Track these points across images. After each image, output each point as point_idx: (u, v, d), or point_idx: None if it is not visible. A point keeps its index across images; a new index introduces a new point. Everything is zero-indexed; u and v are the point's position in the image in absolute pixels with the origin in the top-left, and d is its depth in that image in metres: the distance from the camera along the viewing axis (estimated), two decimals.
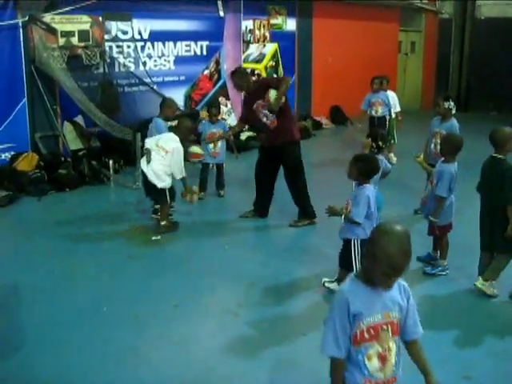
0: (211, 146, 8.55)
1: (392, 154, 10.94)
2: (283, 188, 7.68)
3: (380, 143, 6.20)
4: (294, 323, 5.12)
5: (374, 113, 10.94)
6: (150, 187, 7.15)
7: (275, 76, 7.27)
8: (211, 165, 8.86)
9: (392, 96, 11.16)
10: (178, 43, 12.14)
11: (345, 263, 5.33)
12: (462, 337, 4.90)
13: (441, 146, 6.01)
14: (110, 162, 9.79)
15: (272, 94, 7.15)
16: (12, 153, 9.60)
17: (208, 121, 8.82)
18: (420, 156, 6.40)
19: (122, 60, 11.06)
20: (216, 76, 13.07)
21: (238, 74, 7.54)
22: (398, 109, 11.27)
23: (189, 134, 7.51)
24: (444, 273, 6.08)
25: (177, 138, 7.10)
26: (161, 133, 7.44)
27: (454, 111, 7.36)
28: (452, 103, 7.24)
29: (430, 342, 4.82)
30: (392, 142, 11.05)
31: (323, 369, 4.51)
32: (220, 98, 13.09)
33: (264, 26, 14.10)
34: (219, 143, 8.61)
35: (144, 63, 11.42)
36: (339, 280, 5.31)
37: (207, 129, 8.65)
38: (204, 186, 8.65)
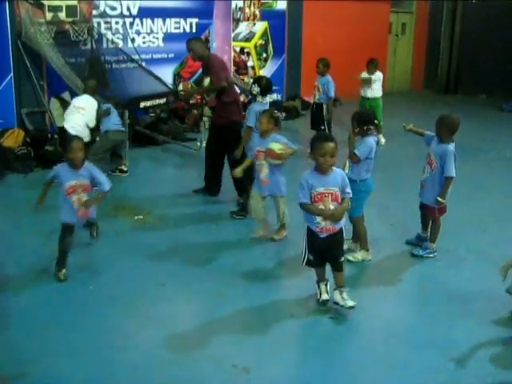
0: None
1: (381, 136, 10.90)
2: None
3: (375, 122, 6.01)
4: (282, 303, 5.11)
5: (313, 97, 10.44)
6: None
7: (214, 72, 7.27)
8: None
9: (330, 81, 10.14)
10: (168, 20, 12.02)
11: (339, 256, 5.05)
12: (449, 320, 4.90)
13: (436, 129, 5.98)
14: (97, 138, 9.69)
15: (205, 83, 7.32)
16: None
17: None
18: (409, 124, 6.40)
19: (110, 36, 10.94)
20: None
21: (198, 42, 7.74)
22: (331, 95, 10.18)
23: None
24: (432, 255, 6.08)
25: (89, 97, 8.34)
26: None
27: (259, 98, 6.98)
28: (257, 89, 7.04)
29: (417, 324, 4.87)
30: (380, 123, 10.99)
31: (310, 349, 4.53)
32: None
33: (254, 5, 13.98)
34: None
35: (132, 40, 11.30)
36: (344, 285, 5.06)
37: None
38: None
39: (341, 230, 4.91)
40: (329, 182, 4.77)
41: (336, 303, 4.99)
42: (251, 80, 7.51)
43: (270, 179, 6.25)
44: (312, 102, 10.52)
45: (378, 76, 11.14)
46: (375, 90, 11.13)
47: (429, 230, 6.25)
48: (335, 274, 5.07)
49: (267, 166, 6.20)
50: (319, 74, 10.19)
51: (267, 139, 6.18)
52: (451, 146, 5.86)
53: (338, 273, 5.05)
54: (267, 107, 7.07)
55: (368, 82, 11.11)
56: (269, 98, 7.12)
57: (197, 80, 12.41)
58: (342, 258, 5.02)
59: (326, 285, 5.11)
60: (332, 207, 4.76)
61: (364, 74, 11.18)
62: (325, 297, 5.07)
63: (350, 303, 4.93)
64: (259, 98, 6.96)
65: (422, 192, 6.13)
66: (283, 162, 6.16)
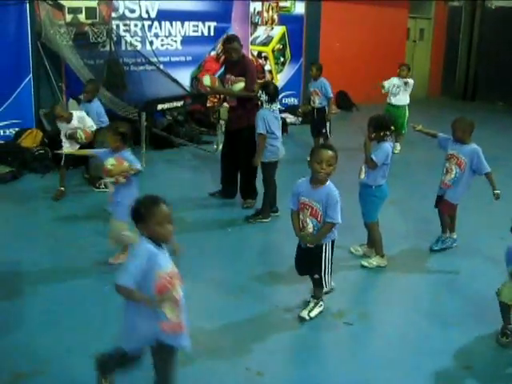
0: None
1: (398, 144, 10.83)
2: (285, 177, 7.63)
3: (392, 128, 5.96)
4: (296, 307, 5.09)
5: (312, 103, 10.26)
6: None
7: (251, 79, 7.26)
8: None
9: (326, 83, 10.08)
10: (186, 23, 12.05)
11: (310, 271, 4.94)
12: (463, 327, 4.88)
13: (455, 132, 6.07)
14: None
15: (237, 86, 7.34)
16: (16, 129, 9.60)
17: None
18: (418, 125, 6.49)
19: (128, 39, 11.00)
20: (223, 57, 12.98)
21: (238, 41, 7.54)
22: (331, 95, 10.17)
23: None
24: (448, 243, 6.35)
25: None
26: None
27: (266, 105, 6.87)
28: (265, 96, 6.91)
29: (430, 330, 4.84)
30: (403, 132, 10.88)
31: (323, 353, 4.53)
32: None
33: (272, 9, 14.00)
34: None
35: (151, 42, 11.35)
36: (317, 297, 4.99)
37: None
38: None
39: (318, 246, 4.77)
40: (314, 195, 4.68)
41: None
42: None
43: (113, 198, 5.65)
44: (312, 108, 10.36)
45: (406, 82, 10.93)
46: (400, 98, 10.93)
47: (455, 230, 6.45)
48: (313, 286, 5.04)
49: (111, 183, 5.64)
50: (313, 79, 10.13)
51: (115, 155, 5.56)
52: (476, 145, 6.04)
53: (314, 287, 5.02)
54: (277, 114, 7.07)
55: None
56: (276, 105, 7.09)
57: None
58: (317, 276, 4.86)
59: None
60: (309, 221, 4.73)
61: (395, 80, 10.98)
62: (305, 312, 4.95)
63: (303, 314, 4.89)
64: (266, 105, 6.92)
65: (446, 191, 6.21)
66: (118, 180, 5.46)
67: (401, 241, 6.60)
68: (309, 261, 4.90)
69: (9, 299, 5.09)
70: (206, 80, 7.53)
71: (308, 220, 4.73)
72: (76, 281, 5.45)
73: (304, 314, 4.90)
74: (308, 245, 4.79)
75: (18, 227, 6.81)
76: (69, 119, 7.62)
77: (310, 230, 4.75)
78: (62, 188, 7.79)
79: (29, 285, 5.34)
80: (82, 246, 6.30)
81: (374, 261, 5.95)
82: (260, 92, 6.92)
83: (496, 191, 5.96)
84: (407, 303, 5.35)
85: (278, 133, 7.04)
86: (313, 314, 4.91)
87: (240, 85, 7.31)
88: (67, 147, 7.64)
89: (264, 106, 6.90)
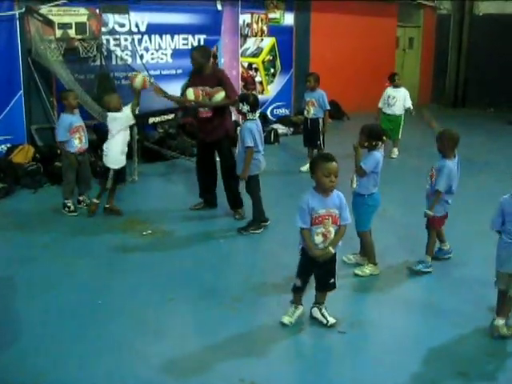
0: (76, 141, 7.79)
1: (395, 148, 11.00)
2: (277, 187, 7.67)
3: (384, 138, 5.96)
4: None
5: (305, 113, 10.19)
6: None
7: (229, 86, 7.32)
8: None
9: (324, 94, 10.01)
10: (176, 36, 12.07)
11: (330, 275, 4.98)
12: (457, 332, 4.89)
13: (438, 145, 5.95)
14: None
15: (217, 97, 7.35)
16: (8, 145, 9.59)
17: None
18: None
19: (119, 53, 11.02)
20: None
21: (200, 51, 7.63)
22: (328, 107, 10.17)
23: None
24: (428, 270, 6.05)
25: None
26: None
27: (250, 116, 6.90)
28: (246, 107, 6.89)
29: (425, 337, 4.86)
30: (398, 137, 11.08)
31: (318, 362, 4.53)
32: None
33: (262, 20, 14.06)
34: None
35: (141, 56, 11.38)
36: (323, 302, 5.06)
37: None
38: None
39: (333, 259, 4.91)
40: (329, 203, 4.74)
41: (315, 318, 5.01)
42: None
43: None
44: (305, 118, 10.30)
45: (400, 93, 11.21)
46: (395, 107, 11.18)
47: (446, 241, 6.34)
48: (319, 292, 5.06)
49: None
50: (310, 89, 10.05)
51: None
52: (450, 163, 5.85)
53: (323, 293, 5.04)
54: (259, 125, 7.08)
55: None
56: (257, 114, 7.10)
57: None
58: (333, 280, 4.95)
59: (296, 309, 5.05)
60: (331, 229, 4.74)
61: (390, 91, 11.27)
62: (285, 320, 4.96)
63: (332, 320, 4.93)
64: (249, 116, 6.95)
65: (427, 203, 6.08)
66: None
67: (394, 249, 6.62)
68: (325, 263, 4.87)
69: (3, 315, 5.08)
70: (190, 93, 7.54)
71: (331, 228, 4.76)
72: (71, 295, 5.44)
73: (332, 320, 4.94)
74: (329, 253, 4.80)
75: (11, 243, 6.79)
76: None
77: (332, 238, 4.79)
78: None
79: (23, 300, 5.33)
80: (76, 258, 6.29)
81: (367, 269, 5.97)
82: (241, 105, 6.93)
83: (428, 211, 5.91)
84: (401, 311, 5.36)
85: (261, 147, 7.06)
86: (330, 319, 4.95)
87: (221, 95, 7.33)
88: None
89: (248, 116, 6.93)
